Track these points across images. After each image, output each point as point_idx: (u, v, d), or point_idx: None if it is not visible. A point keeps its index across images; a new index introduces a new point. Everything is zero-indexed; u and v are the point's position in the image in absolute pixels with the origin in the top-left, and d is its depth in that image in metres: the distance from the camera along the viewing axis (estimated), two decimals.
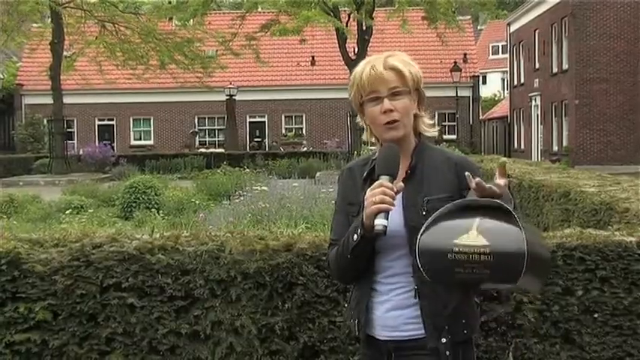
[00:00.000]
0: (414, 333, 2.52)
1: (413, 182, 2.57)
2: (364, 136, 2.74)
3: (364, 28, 29.94)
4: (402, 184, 2.50)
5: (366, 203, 2.44)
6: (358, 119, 2.74)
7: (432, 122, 2.70)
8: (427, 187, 2.55)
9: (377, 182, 2.46)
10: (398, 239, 2.52)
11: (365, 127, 2.71)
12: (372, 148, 2.78)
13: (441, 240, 2.25)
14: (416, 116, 2.65)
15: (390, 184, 2.43)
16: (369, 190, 2.47)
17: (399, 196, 2.52)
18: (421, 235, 2.29)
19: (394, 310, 2.55)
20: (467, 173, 2.36)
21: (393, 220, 2.46)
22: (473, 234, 2.18)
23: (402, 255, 2.54)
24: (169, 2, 33.01)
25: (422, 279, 2.42)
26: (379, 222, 2.39)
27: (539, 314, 3.77)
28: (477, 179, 2.33)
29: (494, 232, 2.18)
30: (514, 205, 2.31)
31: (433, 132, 2.69)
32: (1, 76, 43.10)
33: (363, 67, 2.60)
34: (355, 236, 2.49)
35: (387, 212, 2.40)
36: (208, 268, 3.73)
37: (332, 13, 30.09)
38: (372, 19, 29.88)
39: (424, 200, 2.53)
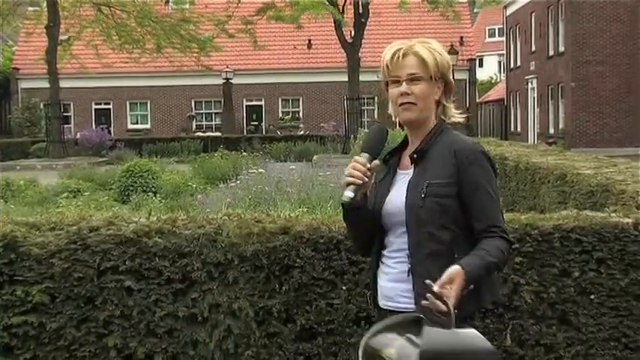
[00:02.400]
0: (407, 305, 2.66)
1: (420, 166, 2.71)
2: (390, 110, 2.86)
3: (361, 11, 29.78)
4: (377, 162, 2.68)
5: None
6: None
7: (459, 111, 2.82)
8: (431, 171, 2.67)
9: (355, 157, 2.67)
10: (399, 217, 2.69)
11: (390, 104, 2.86)
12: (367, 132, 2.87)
13: (375, 348, 2.37)
14: (438, 103, 2.77)
15: (362, 160, 2.64)
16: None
17: (407, 178, 2.71)
18: (367, 337, 2.40)
19: (391, 282, 2.73)
20: (427, 281, 2.42)
21: (396, 200, 2.70)
22: (391, 351, 2.35)
23: (402, 232, 2.70)
24: None
25: (416, 258, 2.64)
26: (346, 194, 2.62)
27: (536, 296, 3.77)
28: (434, 288, 2.38)
29: (405, 351, 2.32)
30: (453, 322, 2.38)
31: (458, 118, 2.82)
32: None
33: (388, 50, 2.76)
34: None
35: (356, 186, 2.62)
36: (206, 251, 3.72)
37: None
38: (369, 3, 29.70)
39: (425, 184, 2.65)
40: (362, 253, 3.19)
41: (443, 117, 2.79)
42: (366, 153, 2.66)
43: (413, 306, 2.61)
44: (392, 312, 2.68)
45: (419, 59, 2.70)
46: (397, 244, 2.72)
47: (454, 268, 2.46)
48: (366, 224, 2.75)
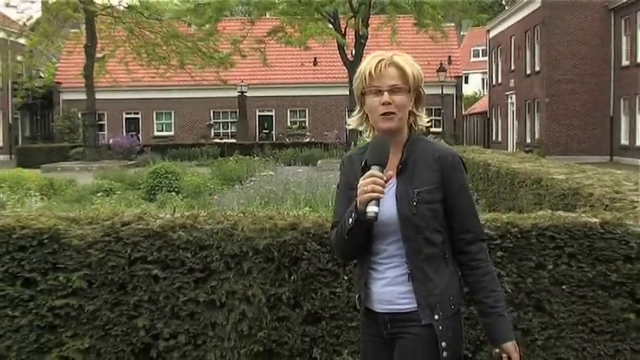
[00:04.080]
0: (407, 307, 2.53)
1: (404, 175, 2.54)
2: (350, 120, 2.69)
3: (360, 33, 29.81)
4: (391, 172, 2.48)
5: (358, 191, 2.41)
6: (354, 112, 2.68)
7: (427, 121, 2.68)
8: (417, 179, 2.52)
9: (368, 172, 2.42)
10: (392, 227, 2.52)
11: (363, 116, 2.65)
12: (368, 139, 2.75)
13: None
14: (411, 113, 2.62)
15: (380, 174, 2.40)
16: (361, 179, 2.43)
17: (393, 188, 2.53)
18: None
19: (389, 286, 2.55)
20: (495, 350, 2.57)
21: (387, 210, 2.48)
22: None
23: (395, 240, 2.54)
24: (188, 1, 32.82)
25: (414, 264, 2.49)
26: (370, 209, 2.37)
27: (515, 286, 3.76)
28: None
29: None
30: None
31: (425, 124, 2.67)
32: (43, 76, 43.07)
33: (369, 61, 2.57)
34: (350, 220, 2.48)
35: (377, 200, 2.38)
36: (223, 244, 3.72)
37: (332, 20, 29.98)
38: (367, 26, 29.73)
39: (414, 192, 2.51)
40: (346, 260, 3.14)
41: (414, 126, 2.63)
42: (377, 165, 2.42)
43: (412, 306, 2.51)
44: (391, 314, 2.55)
45: (400, 71, 2.53)
46: (389, 251, 2.54)
47: (512, 346, 2.55)
48: (365, 235, 2.53)
